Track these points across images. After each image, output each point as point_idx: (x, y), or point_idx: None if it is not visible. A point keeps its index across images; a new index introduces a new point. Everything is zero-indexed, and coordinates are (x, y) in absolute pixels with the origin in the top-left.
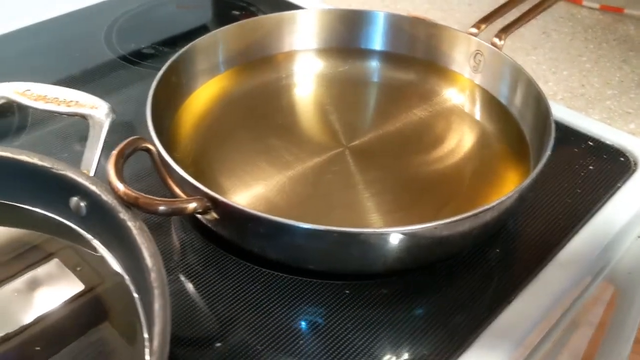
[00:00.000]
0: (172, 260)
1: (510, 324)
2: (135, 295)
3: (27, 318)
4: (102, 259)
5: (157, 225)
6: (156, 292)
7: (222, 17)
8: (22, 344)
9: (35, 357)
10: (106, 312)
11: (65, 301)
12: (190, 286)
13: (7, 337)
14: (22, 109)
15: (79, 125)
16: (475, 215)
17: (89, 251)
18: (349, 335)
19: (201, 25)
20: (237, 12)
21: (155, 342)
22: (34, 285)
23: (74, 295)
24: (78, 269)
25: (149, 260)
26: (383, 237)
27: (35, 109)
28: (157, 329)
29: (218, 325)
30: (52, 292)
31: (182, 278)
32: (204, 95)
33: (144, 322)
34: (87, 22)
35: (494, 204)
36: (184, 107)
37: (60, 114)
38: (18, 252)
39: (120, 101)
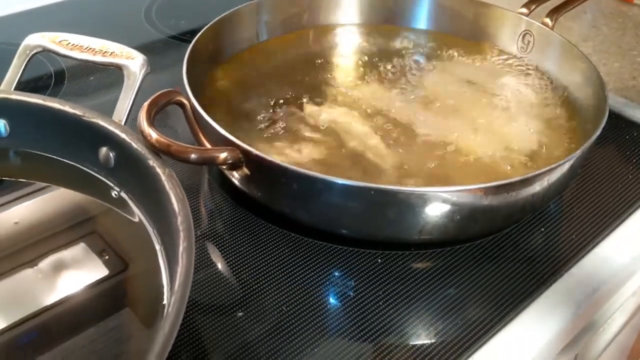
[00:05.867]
0: (199, 226)
1: (549, 308)
2: (159, 246)
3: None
4: (128, 210)
5: (186, 187)
6: (182, 234)
7: None
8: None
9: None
10: (128, 265)
11: (88, 258)
12: (216, 251)
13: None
14: (58, 73)
15: (114, 79)
16: (524, 181)
17: (113, 206)
18: (378, 307)
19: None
20: None
21: (177, 282)
22: (58, 264)
23: (97, 252)
24: (100, 224)
25: (176, 205)
26: (423, 197)
27: (71, 60)
28: (180, 269)
29: (242, 292)
30: (74, 259)
31: (208, 243)
32: (243, 61)
33: (166, 273)
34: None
35: (543, 169)
36: (222, 70)
37: (96, 63)
38: (44, 209)
39: (158, 72)
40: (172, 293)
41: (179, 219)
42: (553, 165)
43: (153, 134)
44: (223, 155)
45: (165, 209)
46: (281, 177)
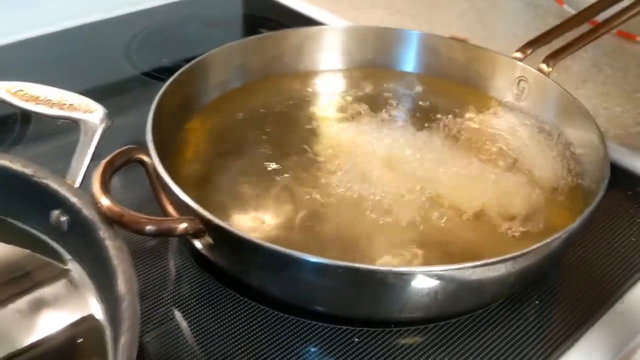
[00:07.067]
0: (164, 290)
1: None
2: (107, 326)
3: None
4: (75, 282)
5: (151, 249)
6: (125, 324)
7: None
8: None
9: None
10: (74, 346)
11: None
12: (181, 322)
13: None
14: (25, 115)
15: None
16: (513, 258)
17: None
18: None
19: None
20: (266, 31)
21: None
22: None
23: (42, 321)
24: (44, 293)
25: (122, 286)
26: (404, 278)
27: (32, 112)
28: None
29: None
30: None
31: (173, 311)
32: (216, 110)
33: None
34: (106, 34)
35: (534, 246)
36: (193, 121)
37: (52, 117)
38: None
39: (131, 115)
40: None
41: (124, 304)
42: (545, 241)
43: (104, 201)
44: (182, 226)
45: (112, 287)
46: (246, 250)
